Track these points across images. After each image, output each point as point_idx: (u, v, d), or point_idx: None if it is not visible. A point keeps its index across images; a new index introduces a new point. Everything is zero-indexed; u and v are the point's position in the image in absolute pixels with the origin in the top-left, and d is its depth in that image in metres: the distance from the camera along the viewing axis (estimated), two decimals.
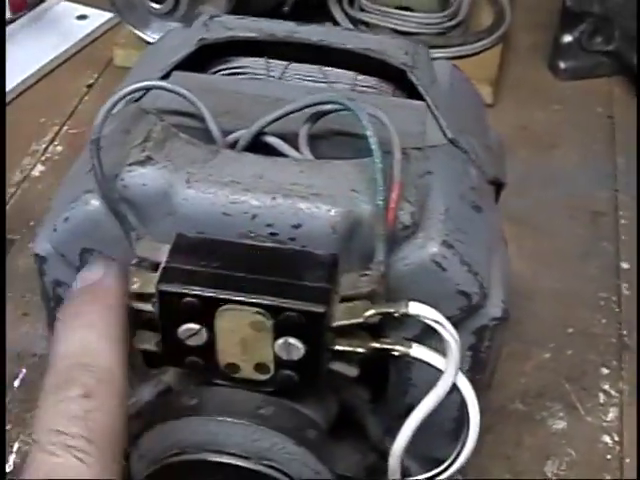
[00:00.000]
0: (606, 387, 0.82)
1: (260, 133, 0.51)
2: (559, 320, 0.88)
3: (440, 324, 0.44)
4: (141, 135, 0.50)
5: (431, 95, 0.56)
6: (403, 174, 0.47)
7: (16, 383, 0.81)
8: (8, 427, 0.76)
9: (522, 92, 1.19)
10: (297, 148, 0.51)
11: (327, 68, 0.59)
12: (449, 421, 0.55)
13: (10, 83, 1.16)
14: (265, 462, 0.47)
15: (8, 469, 0.74)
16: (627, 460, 0.76)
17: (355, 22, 1.19)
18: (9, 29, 1.26)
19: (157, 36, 1.09)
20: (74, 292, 0.44)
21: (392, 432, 0.55)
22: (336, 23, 1.19)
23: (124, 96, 0.51)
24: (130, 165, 0.48)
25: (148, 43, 1.12)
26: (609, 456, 0.77)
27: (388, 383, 0.54)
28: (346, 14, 1.20)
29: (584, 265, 0.94)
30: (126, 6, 1.16)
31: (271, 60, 0.59)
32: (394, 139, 0.47)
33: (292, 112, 0.51)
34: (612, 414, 0.80)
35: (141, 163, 0.48)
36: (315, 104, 0.50)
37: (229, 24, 0.59)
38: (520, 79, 1.22)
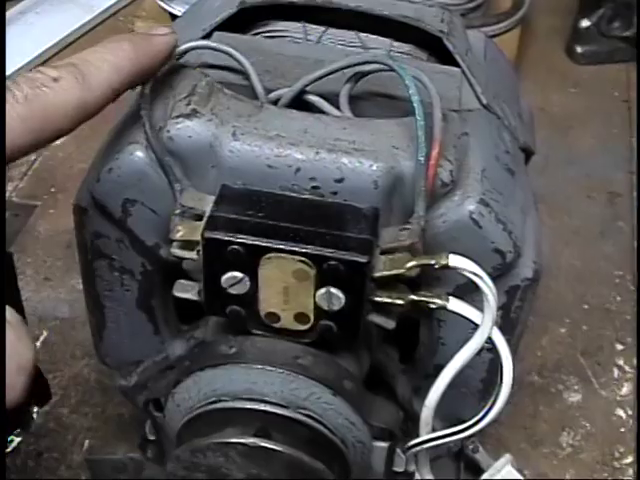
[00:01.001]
0: (620, 362, 0.83)
1: (302, 91, 0.52)
2: (576, 296, 0.89)
3: (479, 277, 0.45)
4: (186, 89, 0.51)
5: (466, 62, 0.57)
6: (442, 134, 0.48)
7: (37, 345, 0.82)
8: None
9: (540, 75, 1.20)
10: (337, 107, 0.52)
11: (363, 34, 0.60)
12: (477, 381, 0.56)
13: (33, 53, 1.17)
14: (302, 410, 0.48)
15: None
16: None
17: None
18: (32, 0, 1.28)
19: (181, 8, 1.10)
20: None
21: (420, 392, 0.56)
22: None
23: (180, 54, 0.53)
24: (176, 117, 0.49)
25: (171, 15, 1.13)
26: (623, 429, 0.78)
27: (418, 343, 0.55)
28: None
29: (601, 244, 0.96)
30: None
31: (309, 24, 0.60)
32: (435, 99, 0.48)
33: (337, 70, 0.51)
34: (626, 389, 0.81)
35: (187, 116, 0.49)
36: (360, 63, 0.51)
37: None
38: (538, 62, 1.23)
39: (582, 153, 1.08)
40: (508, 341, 0.54)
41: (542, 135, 1.07)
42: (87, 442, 0.74)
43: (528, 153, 0.60)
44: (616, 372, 0.83)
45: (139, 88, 0.51)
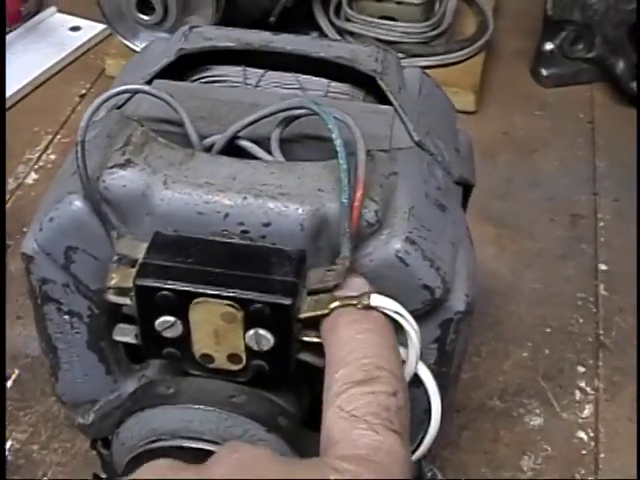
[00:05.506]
0: (582, 385, 0.85)
1: (234, 137, 0.54)
2: (538, 319, 0.91)
3: (400, 315, 0.46)
4: (122, 139, 0.52)
5: (399, 100, 0.58)
6: (369, 174, 0.49)
7: (9, 383, 0.83)
8: None
9: (505, 99, 1.22)
10: (269, 151, 0.54)
11: (302, 76, 0.61)
12: (420, 412, 0.57)
13: (6, 92, 1.19)
14: None
15: None
16: (602, 455, 0.79)
17: (341, 32, 1.22)
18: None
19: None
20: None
21: None
22: (322, 33, 1.21)
23: (108, 98, 0.54)
24: (111, 168, 0.50)
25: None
26: (584, 451, 0.79)
27: None
28: (332, 24, 1.23)
29: (563, 266, 0.97)
30: (116, 17, 1.19)
31: (248, 68, 0.62)
32: (359, 141, 0.50)
33: (264, 117, 0.53)
34: (587, 411, 0.82)
35: (121, 166, 0.50)
36: (286, 109, 0.53)
37: (208, 34, 0.61)
38: (503, 86, 1.25)
39: (545, 176, 1.09)
40: (446, 373, 0.56)
41: (505, 159, 1.10)
42: (56, 478, 0.76)
43: (467, 186, 0.62)
44: (578, 394, 0.84)
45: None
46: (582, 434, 0.80)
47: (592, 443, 0.80)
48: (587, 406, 0.83)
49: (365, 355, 0.43)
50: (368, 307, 0.46)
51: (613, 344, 0.88)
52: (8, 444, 0.78)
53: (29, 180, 1.08)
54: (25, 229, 0.99)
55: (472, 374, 0.84)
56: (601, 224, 1.02)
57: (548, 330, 0.89)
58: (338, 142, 0.48)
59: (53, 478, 0.76)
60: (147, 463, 0.43)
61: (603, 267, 0.96)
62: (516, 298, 0.92)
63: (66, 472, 0.77)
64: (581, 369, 0.86)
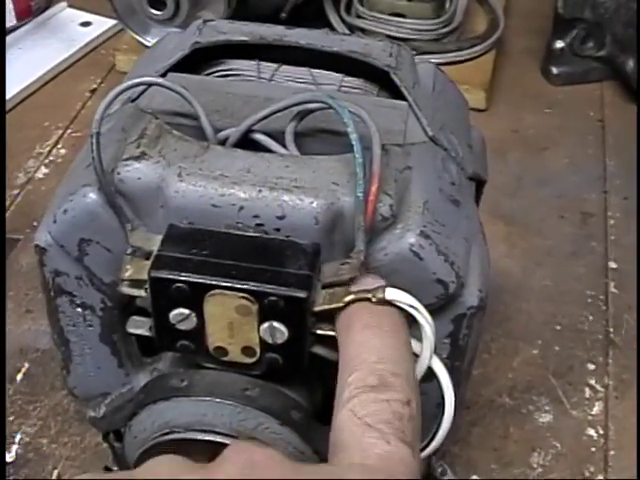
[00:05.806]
0: (592, 382, 0.85)
1: (249, 130, 0.54)
2: (547, 317, 0.90)
3: (415, 309, 0.46)
4: (136, 132, 0.52)
5: (413, 95, 0.58)
6: (383, 169, 0.49)
7: (19, 377, 0.83)
8: (11, 418, 0.79)
9: (515, 97, 1.22)
10: (284, 145, 0.54)
11: (315, 70, 0.62)
12: (432, 407, 0.57)
13: (15, 88, 1.19)
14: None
15: (10, 459, 0.76)
16: (611, 452, 0.78)
17: (351, 28, 1.22)
18: (15, 35, 1.30)
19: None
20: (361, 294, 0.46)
21: None
22: (333, 29, 1.21)
23: (123, 90, 0.54)
24: (126, 160, 0.50)
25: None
26: (593, 448, 0.79)
27: None
28: (343, 21, 1.23)
29: (573, 264, 0.97)
30: (127, 12, 1.20)
31: (262, 62, 0.62)
32: (374, 135, 0.50)
33: (279, 111, 0.53)
34: (597, 408, 0.82)
35: (136, 158, 0.50)
36: (300, 103, 0.53)
37: (221, 28, 0.61)
38: (513, 84, 1.25)
39: (555, 174, 1.09)
40: (458, 367, 0.56)
41: (515, 157, 1.10)
42: (66, 471, 0.76)
43: (479, 182, 0.62)
44: (587, 392, 0.84)
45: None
46: (592, 431, 0.80)
47: (602, 440, 0.80)
48: (597, 403, 0.83)
49: (380, 359, 0.43)
50: (383, 301, 0.46)
51: (623, 342, 0.88)
52: (18, 437, 0.78)
53: (39, 174, 1.08)
54: (35, 223, 1.00)
55: (482, 371, 0.83)
56: (611, 222, 1.02)
57: (558, 327, 0.89)
58: (353, 136, 0.48)
59: (62, 473, 0.76)
60: (149, 460, 0.43)
61: (613, 265, 0.96)
62: (526, 295, 0.92)
63: (75, 466, 0.77)
64: (591, 367, 0.86)
